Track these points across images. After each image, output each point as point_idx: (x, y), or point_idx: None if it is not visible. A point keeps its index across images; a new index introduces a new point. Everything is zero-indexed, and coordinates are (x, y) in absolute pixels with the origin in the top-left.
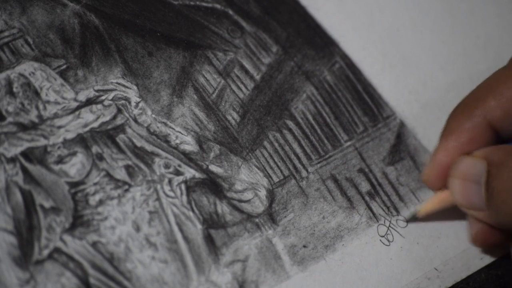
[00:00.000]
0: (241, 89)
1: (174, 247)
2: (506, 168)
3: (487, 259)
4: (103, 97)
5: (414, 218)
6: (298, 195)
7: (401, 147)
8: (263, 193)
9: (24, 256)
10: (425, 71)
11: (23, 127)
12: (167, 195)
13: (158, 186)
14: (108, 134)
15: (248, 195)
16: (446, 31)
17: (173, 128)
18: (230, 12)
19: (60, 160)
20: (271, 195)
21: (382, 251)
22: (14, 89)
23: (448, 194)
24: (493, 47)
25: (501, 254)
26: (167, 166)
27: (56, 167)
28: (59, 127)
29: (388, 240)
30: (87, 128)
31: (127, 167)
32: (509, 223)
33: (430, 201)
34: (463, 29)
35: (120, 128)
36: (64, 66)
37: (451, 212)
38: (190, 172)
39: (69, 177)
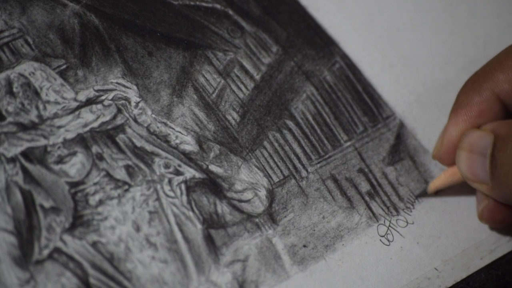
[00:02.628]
0: (241, 89)
1: (174, 247)
2: (511, 141)
3: (487, 259)
4: (103, 97)
5: (424, 194)
6: (298, 195)
7: (400, 147)
8: (263, 193)
9: (24, 256)
10: (425, 71)
11: (23, 127)
12: (167, 195)
13: (158, 186)
14: (108, 134)
15: (248, 195)
16: (446, 31)
17: (173, 128)
18: (230, 12)
19: (60, 160)
20: (271, 195)
21: (382, 251)
22: (14, 89)
23: (457, 170)
24: (493, 47)
25: (501, 253)
26: (167, 166)
27: (56, 167)
28: (59, 127)
29: (388, 240)
30: (87, 128)
31: (127, 167)
32: (511, 196)
33: (440, 176)
34: (463, 29)
35: (120, 128)
36: (64, 66)
37: (459, 190)
38: (190, 172)
39: (69, 177)
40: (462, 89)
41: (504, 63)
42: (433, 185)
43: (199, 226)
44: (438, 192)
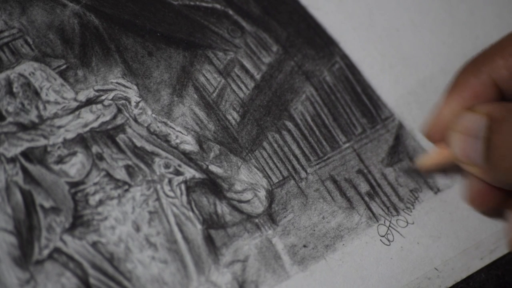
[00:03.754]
0: (241, 89)
1: (174, 247)
2: (507, 123)
3: (487, 259)
4: (103, 97)
5: (410, 170)
6: (297, 196)
7: (399, 148)
8: (262, 193)
9: (24, 256)
10: (425, 72)
11: (23, 127)
12: (167, 195)
13: (158, 186)
14: (108, 134)
15: (247, 196)
16: (446, 32)
17: (173, 128)
18: (230, 12)
19: (60, 160)
20: (270, 196)
21: (382, 251)
22: (14, 89)
23: (448, 151)
24: None
25: (501, 253)
26: (167, 166)
27: (56, 167)
28: (59, 127)
29: (388, 240)
30: (87, 128)
31: (127, 167)
32: (505, 179)
33: (429, 155)
34: (463, 29)
35: (120, 128)
36: (64, 66)
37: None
38: (190, 172)
39: (69, 177)
40: (460, 70)
41: (505, 49)
42: (422, 163)
43: (199, 226)
44: (427, 172)
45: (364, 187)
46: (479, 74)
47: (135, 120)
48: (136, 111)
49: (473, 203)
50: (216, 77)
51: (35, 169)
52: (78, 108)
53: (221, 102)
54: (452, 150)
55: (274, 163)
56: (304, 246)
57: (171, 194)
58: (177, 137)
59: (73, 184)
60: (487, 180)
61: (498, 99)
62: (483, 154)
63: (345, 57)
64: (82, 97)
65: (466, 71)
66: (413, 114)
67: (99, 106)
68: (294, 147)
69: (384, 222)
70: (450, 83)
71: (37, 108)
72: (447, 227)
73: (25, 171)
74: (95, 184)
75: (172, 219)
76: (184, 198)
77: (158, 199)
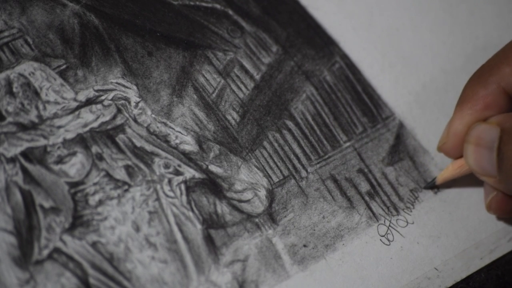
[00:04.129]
0: (241, 89)
1: (174, 247)
2: None
3: (487, 259)
4: (102, 97)
5: (432, 185)
6: (298, 195)
7: (400, 147)
8: (262, 193)
9: (24, 256)
10: (425, 72)
11: (23, 127)
12: (167, 195)
13: (158, 186)
14: (108, 134)
15: (247, 195)
16: (446, 32)
17: (173, 128)
18: (230, 12)
19: (60, 160)
20: (271, 195)
21: (382, 250)
22: (14, 89)
23: (464, 162)
24: (493, 48)
25: (500, 253)
26: (166, 166)
27: (56, 167)
28: (59, 127)
29: (388, 240)
30: (87, 128)
31: (126, 167)
32: None
33: (448, 168)
34: (463, 29)
35: (120, 128)
36: (64, 66)
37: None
38: (189, 172)
39: (69, 177)
40: (468, 82)
41: (510, 56)
42: (441, 177)
43: (199, 226)
44: (442, 185)
45: (364, 187)
46: (487, 85)
47: (135, 120)
48: (135, 111)
49: (491, 210)
50: (215, 78)
51: (35, 169)
52: (78, 108)
53: (221, 102)
54: (467, 161)
55: (275, 162)
56: (304, 245)
57: (171, 194)
58: (176, 137)
59: (73, 184)
60: (502, 190)
61: (510, 106)
62: (496, 165)
63: (345, 57)
64: (82, 97)
65: (473, 83)
66: (413, 113)
67: (99, 106)
68: (294, 146)
69: (384, 221)
70: (459, 97)
71: (37, 108)
72: (447, 227)
73: (25, 171)
74: (94, 184)
75: (172, 219)
76: (184, 198)
77: (158, 199)
